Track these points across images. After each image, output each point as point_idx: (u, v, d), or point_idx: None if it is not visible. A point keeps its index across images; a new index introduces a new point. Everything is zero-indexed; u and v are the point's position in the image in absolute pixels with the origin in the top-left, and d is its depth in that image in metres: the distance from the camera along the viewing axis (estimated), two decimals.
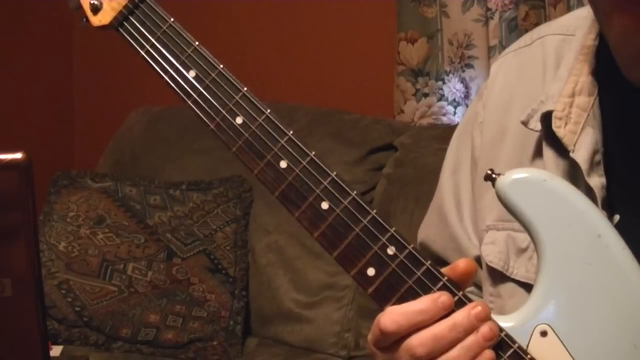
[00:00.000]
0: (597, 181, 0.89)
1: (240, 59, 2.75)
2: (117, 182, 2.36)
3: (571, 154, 0.90)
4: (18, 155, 0.72)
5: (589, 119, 0.91)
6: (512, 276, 0.96)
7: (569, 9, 2.21)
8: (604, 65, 0.93)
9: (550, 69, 0.99)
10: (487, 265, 0.99)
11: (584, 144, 0.90)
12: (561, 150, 0.92)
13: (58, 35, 3.10)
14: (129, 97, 2.97)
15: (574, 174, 0.91)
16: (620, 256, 0.81)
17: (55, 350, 2.08)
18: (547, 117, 0.93)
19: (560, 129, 0.91)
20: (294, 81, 2.77)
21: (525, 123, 0.95)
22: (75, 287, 2.19)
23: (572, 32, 0.99)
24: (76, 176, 2.39)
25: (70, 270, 2.21)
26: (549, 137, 0.94)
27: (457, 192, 1.06)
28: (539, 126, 0.94)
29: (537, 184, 0.82)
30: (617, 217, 0.89)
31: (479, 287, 1.05)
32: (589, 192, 0.89)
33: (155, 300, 2.18)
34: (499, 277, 0.98)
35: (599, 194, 0.88)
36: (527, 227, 0.83)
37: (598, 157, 0.90)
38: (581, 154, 0.90)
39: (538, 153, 0.96)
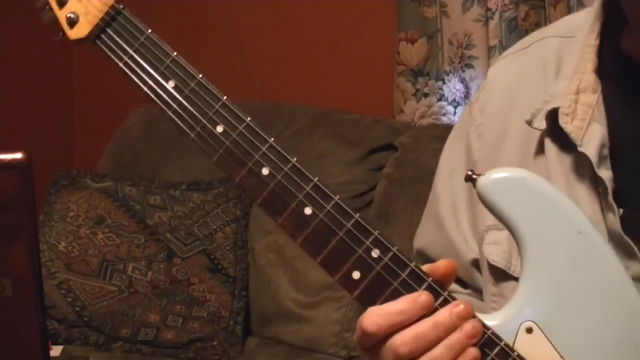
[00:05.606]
0: (606, 174, 0.90)
1: (240, 59, 2.75)
2: (117, 182, 2.36)
3: (580, 148, 0.91)
4: (18, 155, 0.72)
5: (595, 115, 0.93)
6: (515, 274, 0.96)
7: (569, 8, 2.21)
8: (606, 63, 0.96)
9: (551, 70, 1.01)
10: (489, 265, 1.00)
11: (592, 139, 0.91)
12: (566, 145, 0.94)
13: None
14: (129, 97, 2.95)
15: (579, 168, 0.93)
16: (601, 251, 0.83)
17: (55, 350, 2.08)
18: (553, 114, 0.94)
19: (567, 125, 0.92)
20: (294, 81, 2.76)
21: (529, 122, 0.96)
22: (75, 287, 2.18)
23: (571, 33, 1.01)
24: (76, 176, 2.39)
25: (70, 270, 2.21)
26: (553, 134, 0.95)
27: (454, 197, 1.07)
28: (543, 124, 0.95)
29: (516, 182, 0.83)
30: (621, 211, 0.90)
31: (477, 290, 1.06)
32: (598, 184, 0.90)
33: (155, 300, 2.18)
34: (501, 276, 0.98)
35: (609, 185, 0.90)
36: (508, 226, 0.84)
37: (605, 151, 0.92)
38: (590, 148, 0.91)
39: (540, 150, 0.97)
